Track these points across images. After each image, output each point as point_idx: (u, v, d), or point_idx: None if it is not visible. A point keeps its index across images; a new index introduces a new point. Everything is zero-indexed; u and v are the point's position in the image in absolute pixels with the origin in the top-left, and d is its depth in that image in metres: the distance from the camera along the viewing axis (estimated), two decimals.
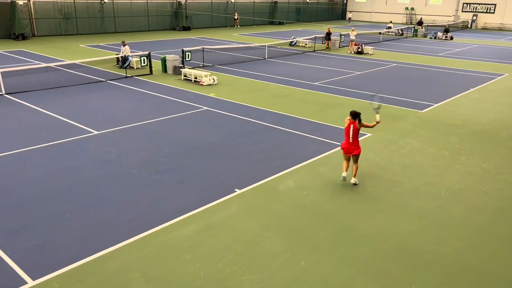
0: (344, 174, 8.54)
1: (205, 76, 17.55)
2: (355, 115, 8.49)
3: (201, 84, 17.39)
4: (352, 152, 8.55)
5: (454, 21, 49.75)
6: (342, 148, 8.72)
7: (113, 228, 6.92)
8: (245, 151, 10.35)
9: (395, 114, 13.88)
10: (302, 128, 12.13)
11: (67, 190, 8.17)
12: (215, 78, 17.78)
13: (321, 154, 10.24)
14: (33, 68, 17.51)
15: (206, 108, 14.01)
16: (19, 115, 12.77)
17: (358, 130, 8.54)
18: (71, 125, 11.96)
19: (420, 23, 42.83)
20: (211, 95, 14.00)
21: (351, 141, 8.52)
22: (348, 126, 8.51)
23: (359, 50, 27.42)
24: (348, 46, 28.47)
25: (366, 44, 29.75)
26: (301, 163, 9.68)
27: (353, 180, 8.63)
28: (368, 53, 27.46)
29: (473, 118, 13.63)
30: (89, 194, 8.04)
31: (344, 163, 8.71)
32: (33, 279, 5.64)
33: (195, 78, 17.96)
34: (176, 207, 7.62)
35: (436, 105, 15.17)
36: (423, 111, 14.32)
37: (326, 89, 17.35)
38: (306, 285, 5.71)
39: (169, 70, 19.86)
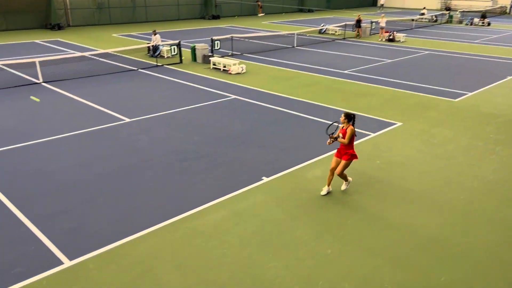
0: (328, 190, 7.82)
1: (234, 65, 17.61)
2: (350, 117, 7.46)
3: (230, 73, 17.46)
4: None
5: (491, 6, 47.70)
6: (355, 156, 7.60)
7: (143, 213, 7.13)
8: (272, 139, 10.38)
9: (426, 103, 13.56)
10: (331, 117, 12.02)
11: (100, 176, 8.45)
12: (244, 66, 17.82)
13: None
14: (68, 57, 18.04)
15: (234, 96, 14.09)
16: (55, 103, 13.23)
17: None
18: (104, 113, 12.30)
19: (447, 9, 41.28)
20: (34, 99, 12.22)
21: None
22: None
23: (391, 37, 26.77)
24: (379, 33, 27.84)
25: (398, 31, 28.99)
26: (329, 152, 9.64)
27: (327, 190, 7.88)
28: (400, 40, 26.78)
29: (510, 107, 13.14)
30: (121, 180, 8.29)
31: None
32: (70, 260, 5.91)
33: (224, 67, 18.04)
34: (204, 194, 7.77)
35: (470, 93, 14.70)
36: (456, 99, 13.92)
37: (356, 77, 17.09)
38: (331, 273, 5.74)
39: (199, 59, 20.02)
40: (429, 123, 11.64)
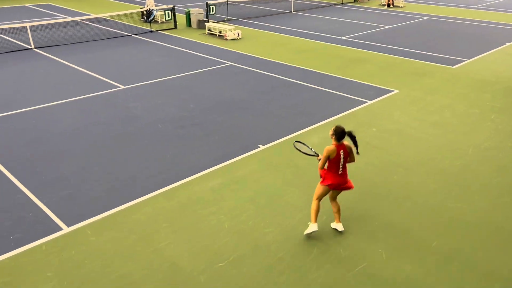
0: (315, 228, 5.71)
1: (230, 30, 17.28)
2: (342, 135, 5.67)
3: (226, 39, 17.16)
4: (345, 184, 5.81)
5: None
6: (329, 184, 5.71)
7: (141, 180, 7.16)
8: (269, 107, 10.33)
9: (423, 69, 13.45)
10: (327, 84, 11.94)
11: (95, 143, 8.42)
12: (240, 32, 17.49)
13: (346, 110, 10.12)
14: (60, 22, 17.61)
15: (230, 63, 13.90)
16: (48, 70, 13.01)
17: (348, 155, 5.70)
18: (98, 80, 12.13)
19: None
20: None
21: (341, 171, 5.70)
22: (338, 154, 5.60)
23: (389, 2, 26.25)
24: None
25: None
26: (325, 120, 9.62)
27: (340, 227, 5.94)
28: (399, 6, 26.27)
29: (508, 74, 13.07)
30: (117, 148, 8.27)
31: (316, 207, 5.75)
32: (68, 226, 5.97)
33: (220, 32, 17.71)
34: (201, 161, 7.78)
35: (468, 60, 14.58)
36: (454, 66, 13.81)
37: (353, 43, 16.85)
38: (328, 238, 5.84)
39: (194, 24, 19.61)
40: (426, 90, 11.59)
